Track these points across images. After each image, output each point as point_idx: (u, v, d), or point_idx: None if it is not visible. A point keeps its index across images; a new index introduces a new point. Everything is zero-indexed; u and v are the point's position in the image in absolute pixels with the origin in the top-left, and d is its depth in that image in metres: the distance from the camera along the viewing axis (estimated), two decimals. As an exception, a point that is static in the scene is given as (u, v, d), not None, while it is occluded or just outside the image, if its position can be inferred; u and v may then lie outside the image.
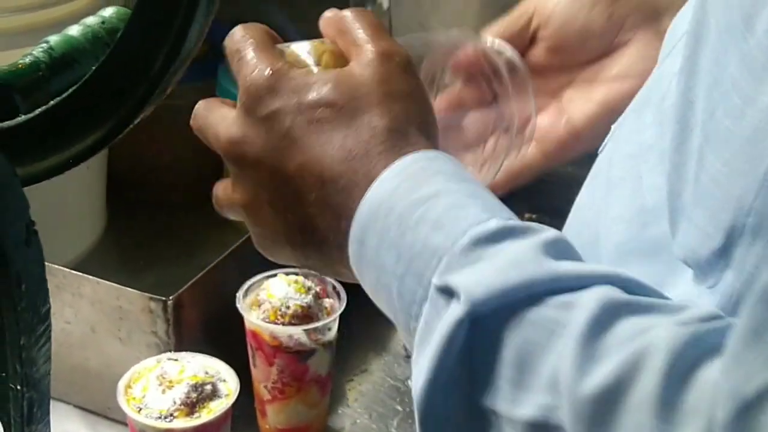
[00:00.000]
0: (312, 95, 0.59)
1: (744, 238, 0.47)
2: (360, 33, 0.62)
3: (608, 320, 0.47)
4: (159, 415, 0.91)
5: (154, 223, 1.43)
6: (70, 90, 0.49)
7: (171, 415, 0.91)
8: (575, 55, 0.78)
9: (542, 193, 0.80)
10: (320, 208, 0.58)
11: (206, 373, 0.96)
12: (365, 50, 0.61)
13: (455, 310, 0.49)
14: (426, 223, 0.53)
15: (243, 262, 1.06)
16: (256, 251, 1.08)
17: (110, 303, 1.03)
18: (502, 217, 0.53)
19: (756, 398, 0.41)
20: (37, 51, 0.54)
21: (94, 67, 0.49)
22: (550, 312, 0.49)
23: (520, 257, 0.50)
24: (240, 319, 1.02)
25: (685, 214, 0.52)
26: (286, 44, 0.64)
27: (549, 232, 0.52)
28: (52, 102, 0.50)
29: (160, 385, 0.94)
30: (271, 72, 0.61)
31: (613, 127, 0.68)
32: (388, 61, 0.60)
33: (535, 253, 0.50)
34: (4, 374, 0.49)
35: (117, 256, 1.38)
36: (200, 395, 0.93)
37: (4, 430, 0.51)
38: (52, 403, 0.51)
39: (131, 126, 0.49)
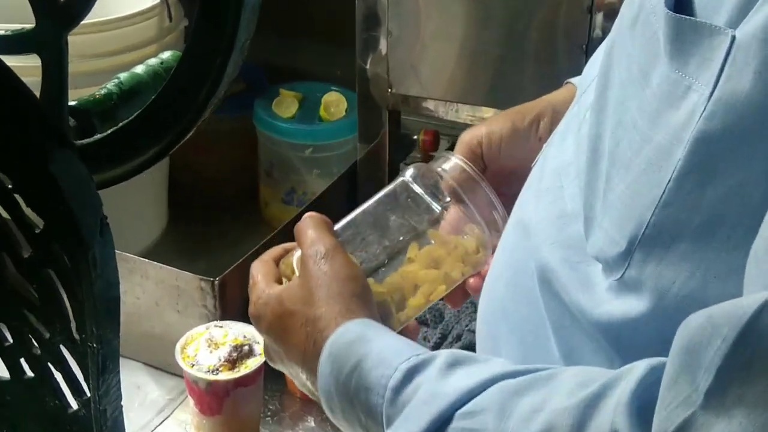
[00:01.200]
0: (274, 311, 0.61)
1: (642, 244, 0.47)
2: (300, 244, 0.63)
3: (509, 406, 0.47)
4: (208, 370, 0.91)
5: (204, 222, 1.44)
6: (135, 114, 0.50)
7: (217, 369, 0.92)
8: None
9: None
10: (301, 370, 0.60)
11: (244, 337, 0.96)
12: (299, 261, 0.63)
13: None
14: (360, 389, 0.54)
15: (273, 251, 1.06)
16: (282, 242, 1.09)
17: (170, 283, 1.04)
18: (407, 356, 0.53)
19: None
20: (111, 84, 0.54)
21: (153, 97, 0.50)
22: (461, 424, 0.49)
23: (427, 393, 0.50)
24: (271, 295, 1.01)
25: (596, 221, 0.52)
26: (293, 252, 0.65)
27: (443, 356, 0.52)
28: (121, 124, 0.50)
29: (209, 346, 0.94)
30: (257, 298, 0.63)
31: (543, 146, 0.68)
32: (309, 265, 0.60)
33: (437, 380, 0.50)
34: (83, 335, 0.49)
35: (175, 247, 1.38)
36: (240, 354, 0.93)
37: (84, 379, 0.52)
38: (124, 360, 0.51)
39: (181, 142, 0.50)
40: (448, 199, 0.63)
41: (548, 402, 0.46)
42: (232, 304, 1.03)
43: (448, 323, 1.10)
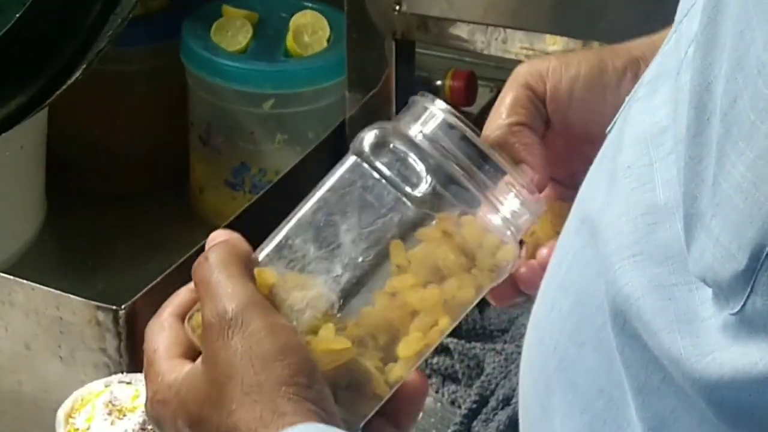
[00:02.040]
0: (176, 414, 0.62)
1: None
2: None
3: None
4: (108, 454, 0.91)
5: (103, 217, 1.44)
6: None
7: (121, 451, 0.91)
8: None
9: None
10: None
11: (166, 399, 0.95)
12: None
13: None
14: None
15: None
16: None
17: (49, 313, 1.03)
18: None
19: None
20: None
21: (17, 15, 0.48)
22: None
23: None
24: (208, 333, 1.01)
25: (703, 223, 0.52)
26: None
27: None
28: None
29: (110, 414, 0.93)
30: (153, 393, 0.63)
31: (626, 99, 0.68)
32: (210, 342, 0.61)
33: None
34: None
35: (58, 256, 1.39)
36: (159, 427, 0.93)
37: None
38: None
39: (63, 88, 0.48)
40: (431, 184, 0.62)
41: None
42: (145, 344, 1.03)
43: (490, 378, 1.14)
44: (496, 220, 0.63)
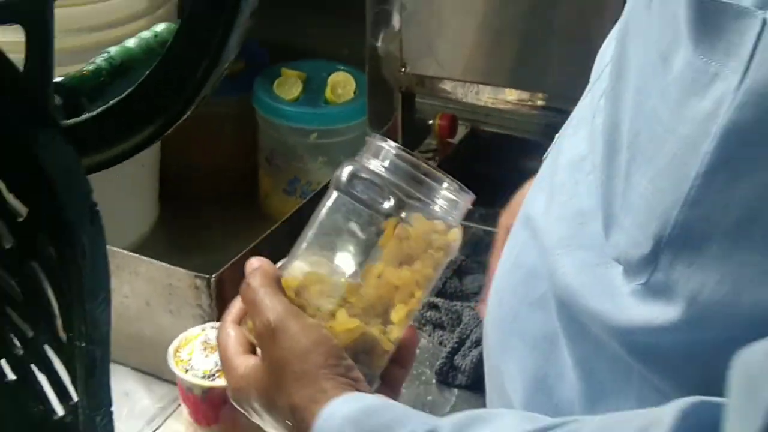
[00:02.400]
0: (252, 395, 0.60)
1: (669, 246, 0.47)
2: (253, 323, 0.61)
3: None
4: (204, 375, 0.91)
5: (198, 214, 1.44)
6: (127, 92, 0.49)
7: (214, 375, 0.91)
8: None
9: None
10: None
11: (243, 339, 0.95)
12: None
13: None
14: None
15: (272, 247, 1.05)
16: (283, 239, 1.09)
17: (162, 281, 1.03)
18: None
19: None
20: (100, 59, 0.54)
21: (147, 74, 0.49)
22: None
23: None
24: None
25: (616, 220, 0.52)
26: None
27: (452, 424, 0.51)
28: (111, 102, 0.50)
29: (205, 350, 0.93)
30: (235, 384, 0.61)
31: (556, 137, 0.68)
32: (263, 346, 0.59)
33: None
34: (71, 334, 0.49)
35: (167, 241, 1.38)
36: (238, 358, 0.93)
37: (72, 382, 0.52)
38: (112, 365, 0.51)
39: (177, 124, 0.49)
40: (392, 199, 0.60)
41: None
42: (229, 303, 1.02)
43: (466, 326, 1.11)
44: (441, 212, 0.60)
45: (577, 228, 0.56)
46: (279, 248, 1.03)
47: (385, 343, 0.60)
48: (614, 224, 0.52)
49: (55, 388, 0.53)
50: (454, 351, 1.10)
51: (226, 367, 0.61)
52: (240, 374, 0.60)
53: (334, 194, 0.61)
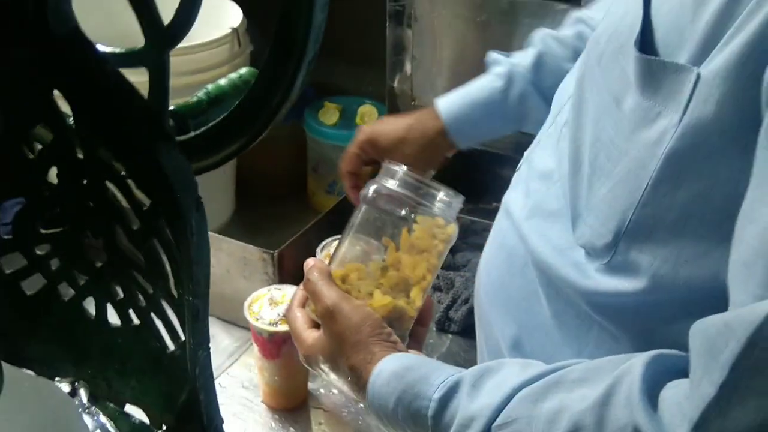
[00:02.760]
0: (319, 355, 0.57)
1: (626, 236, 0.47)
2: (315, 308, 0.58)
3: (534, 413, 0.45)
4: (269, 323, 0.91)
5: (264, 208, 1.43)
6: (221, 117, 0.49)
7: (277, 322, 0.91)
8: None
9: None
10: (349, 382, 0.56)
11: (297, 297, 0.95)
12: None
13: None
14: (408, 419, 0.51)
15: (318, 232, 1.06)
16: (325, 226, 1.09)
17: (239, 255, 1.03)
18: (436, 386, 0.50)
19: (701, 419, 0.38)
20: (201, 93, 0.54)
21: (237, 103, 0.50)
22: None
23: (464, 418, 0.48)
24: (318, 265, 1.01)
25: (581, 218, 0.51)
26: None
27: (467, 379, 0.49)
28: (210, 125, 0.50)
29: (270, 304, 0.93)
30: (305, 350, 0.58)
31: (525, 153, 0.67)
32: (325, 325, 0.57)
33: (468, 403, 0.48)
34: (180, 291, 0.49)
35: (241, 227, 1.36)
36: (294, 311, 0.92)
37: (180, 326, 0.52)
38: None
39: (258, 140, 0.49)
40: (407, 208, 0.59)
41: (566, 406, 0.44)
42: (288, 271, 1.02)
43: (458, 289, 1.11)
44: (440, 212, 0.59)
45: (550, 224, 0.56)
46: (322, 233, 1.05)
47: (410, 311, 0.59)
48: (580, 221, 0.52)
49: (168, 330, 0.53)
50: (449, 307, 1.09)
51: (296, 338, 0.59)
52: (309, 344, 0.58)
53: (364, 207, 0.60)
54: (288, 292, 0.95)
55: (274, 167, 1.46)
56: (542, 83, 0.79)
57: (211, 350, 0.52)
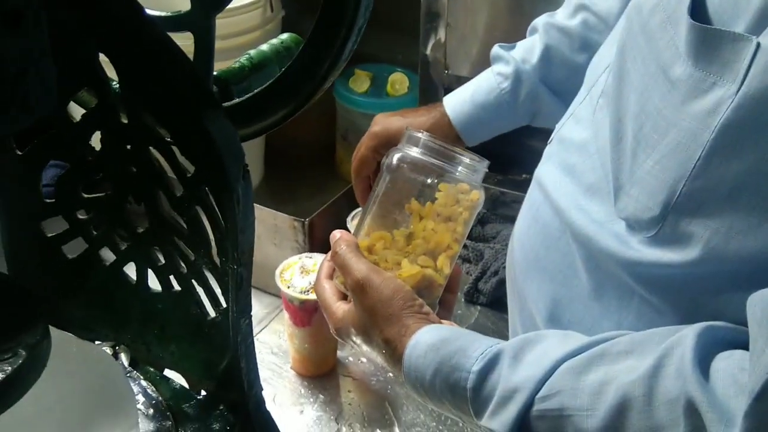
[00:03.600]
0: (350, 328, 0.57)
1: (675, 209, 0.46)
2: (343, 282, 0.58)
3: (578, 386, 0.45)
4: (301, 291, 0.91)
5: (293, 176, 1.42)
6: (268, 84, 0.49)
7: (307, 291, 0.91)
8: None
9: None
10: (383, 350, 0.56)
11: (328, 266, 0.95)
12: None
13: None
14: (445, 391, 0.50)
15: (347, 200, 1.05)
16: (353, 195, 1.07)
17: (269, 222, 1.03)
18: (475, 358, 0.49)
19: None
20: (243, 59, 0.53)
21: (280, 71, 0.49)
22: (542, 406, 0.46)
23: (506, 390, 0.47)
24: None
25: (624, 190, 0.50)
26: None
27: (507, 351, 0.49)
28: (256, 91, 0.49)
29: (301, 272, 0.93)
30: (335, 323, 0.58)
31: (557, 126, 0.66)
32: (357, 298, 0.56)
33: (510, 375, 0.48)
34: (223, 259, 0.49)
35: (271, 194, 1.36)
36: (325, 279, 0.93)
37: (222, 293, 0.52)
38: None
39: (305, 107, 0.49)
40: (431, 175, 0.58)
41: (612, 377, 0.44)
42: (318, 240, 1.03)
43: (487, 261, 1.11)
44: (464, 177, 0.59)
45: (589, 197, 0.55)
46: (350, 202, 1.04)
47: (439, 279, 0.59)
48: (622, 193, 0.51)
49: (209, 297, 0.53)
50: (478, 279, 1.09)
51: (326, 311, 0.59)
52: (339, 317, 0.57)
53: (388, 176, 0.59)
54: (318, 260, 0.96)
55: (303, 135, 1.45)
56: (552, 78, 0.79)
57: (243, 316, 0.52)
